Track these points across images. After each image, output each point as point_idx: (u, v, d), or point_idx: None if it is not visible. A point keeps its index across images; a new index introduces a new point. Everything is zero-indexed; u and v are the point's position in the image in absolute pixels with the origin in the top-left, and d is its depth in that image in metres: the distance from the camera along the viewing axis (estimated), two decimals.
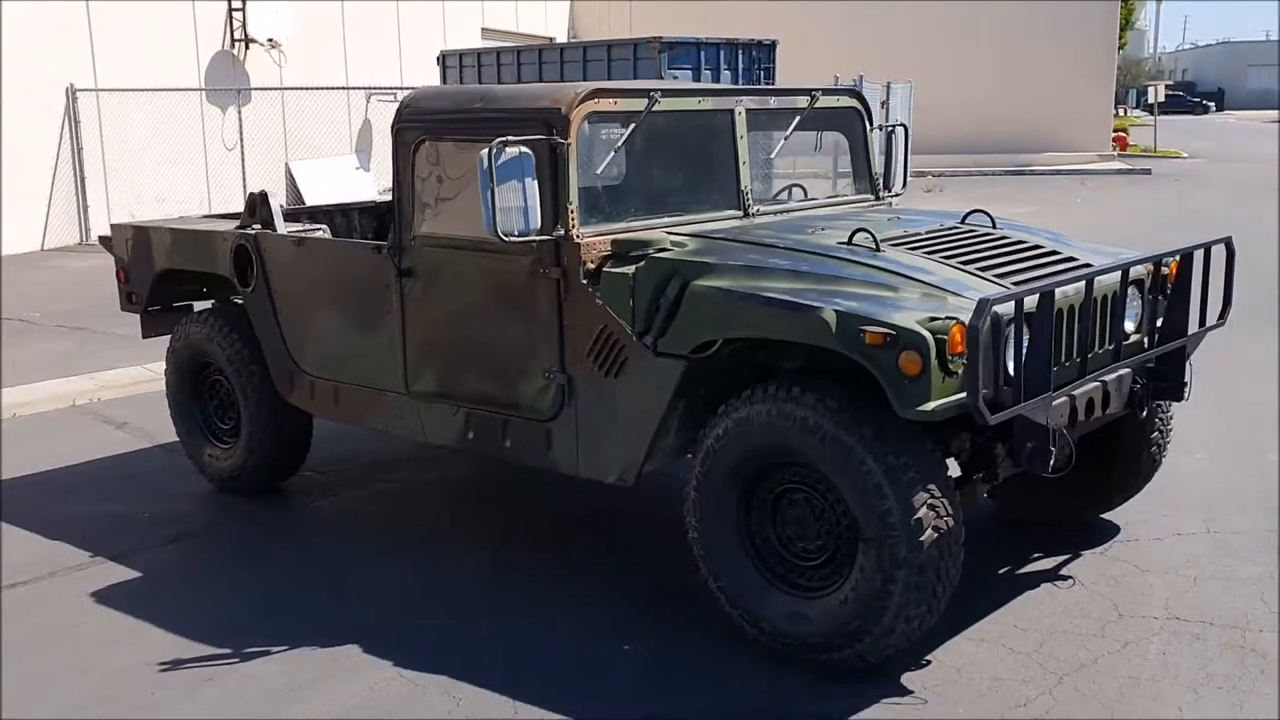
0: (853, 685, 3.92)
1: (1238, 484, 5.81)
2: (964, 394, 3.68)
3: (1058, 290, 3.97)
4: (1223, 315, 4.93)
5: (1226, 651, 4.12)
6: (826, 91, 5.53)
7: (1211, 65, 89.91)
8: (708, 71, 17.47)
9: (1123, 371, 4.46)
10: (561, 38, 31.45)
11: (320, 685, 4.05)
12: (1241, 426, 6.56)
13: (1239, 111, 73.96)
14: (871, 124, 5.82)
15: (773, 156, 5.34)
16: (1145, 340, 4.67)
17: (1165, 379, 4.72)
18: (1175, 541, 5.12)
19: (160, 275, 6.20)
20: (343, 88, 20.78)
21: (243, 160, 16.19)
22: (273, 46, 19.56)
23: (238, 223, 5.89)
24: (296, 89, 18.42)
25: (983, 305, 3.59)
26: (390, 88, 22.40)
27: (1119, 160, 29.56)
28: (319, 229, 5.92)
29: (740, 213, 5.04)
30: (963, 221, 4.95)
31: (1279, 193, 16.58)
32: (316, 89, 19.04)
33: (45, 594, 4.94)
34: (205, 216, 7.01)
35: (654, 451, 4.40)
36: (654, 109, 4.68)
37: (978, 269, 4.28)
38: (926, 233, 4.64)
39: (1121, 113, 44.35)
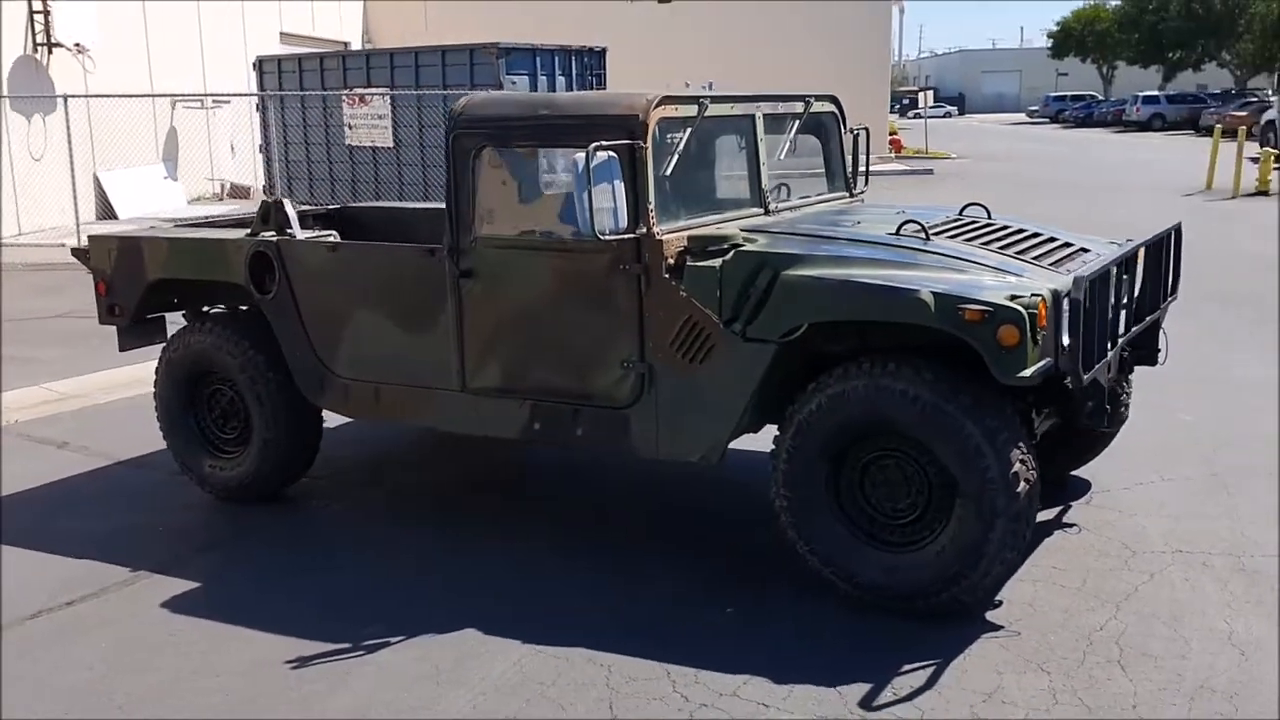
0: (950, 627, 4.40)
1: (1165, 440, 6.63)
2: (1047, 360, 4.23)
3: None
4: (1174, 289, 5.67)
5: (1236, 575, 4.83)
6: (817, 97, 6.03)
7: (951, 72, 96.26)
8: (543, 77, 17.80)
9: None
10: (356, 42, 31.07)
11: (465, 666, 4.24)
12: (1148, 392, 7.42)
13: (979, 115, 79.59)
14: (845, 127, 6.35)
15: (781, 157, 5.77)
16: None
17: (1143, 347, 5.43)
18: (1141, 489, 5.86)
19: (152, 286, 6.11)
20: (149, 95, 19.99)
21: (72, 168, 15.42)
22: (80, 51, 18.67)
23: (247, 230, 5.89)
24: (105, 96, 17.60)
25: (1079, 282, 4.14)
26: (197, 95, 21.75)
27: (898, 162, 31.48)
28: (331, 234, 5.98)
29: (762, 210, 5.46)
30: (961, 213, 5.53)
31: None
32: (125, 96, 18.27)
33: (111, 608, 4.88)
34: (180, 224, 6.88)
35: (737, 430, 4.77)
36: (704, 114, 5.06)
37: (1015, 253, 4.85)
38: (951, 223, 5.18)
39: None
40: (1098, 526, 5.38)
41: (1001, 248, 4.90)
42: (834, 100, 6.26)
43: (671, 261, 4.74)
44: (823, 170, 6.33)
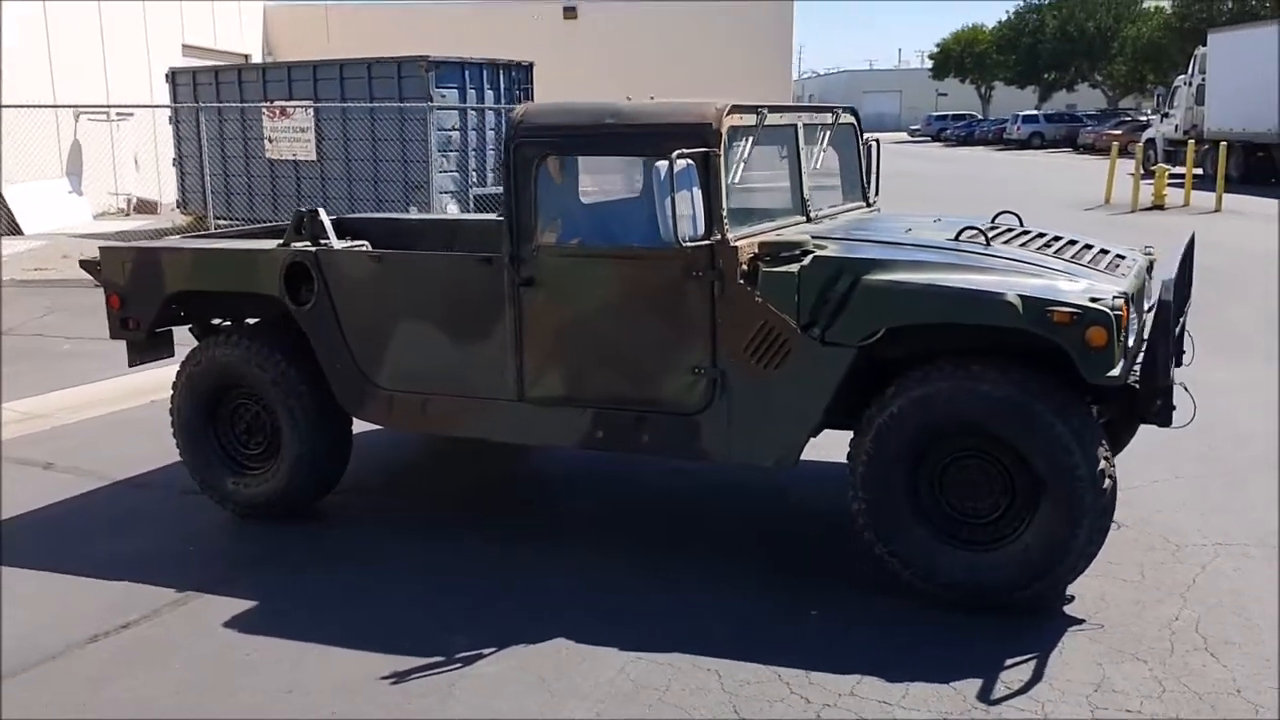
0: (1031, 622, 4.52)
1: (1160, 440, 6.82)
2: (1124, 360, 4.38)
3: None
4: (1189, 294, 5.92)
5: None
6: (844, 109, 6.16)
7: (835, 91, 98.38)
8: (472, 90, 17.70)
9: None
10: (257, 54, 30.50)
11: (571, 675, 4.20)
12: None
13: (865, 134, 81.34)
14: (861, 139, 6.48)
15: (817, 166, 5.86)
16: None
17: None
18: (1159, 487, 6.08)
19: (171, 299, 5.92)
20: (52, 106, 19.34)
21: None
22: None
23: (279, 241, 5.75)
24: (24, 106, 16.96)
25: (1167, 285, 4.30)
26: (103, 106, 21.10)
27: None
28: (362, 244, 5.86)
29: (804, 218, 5.54)
30: (994, 221, 5.68)
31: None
32: (29, 107, 17.63)
33: (171, 630, 4.71)
34: (188, 236, 6.66)
35: (812, 433, 4.83)
36: (763, 123, 5.13)
37: (1070, 259, 5.00)
38: (1001, 230, 5.31)
39: None
40: (1135, 523, 5.56)
41: (1055, 253, 5.05)
42: (853, 112, 6.39)
43: (745, 267, 4.78)
44: (838, 180, 6.45)
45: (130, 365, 6.33)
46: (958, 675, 4.12)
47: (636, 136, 4.89)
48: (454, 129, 17.26)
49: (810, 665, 4.22)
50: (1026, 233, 5.42)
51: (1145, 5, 56.39)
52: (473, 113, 17.49)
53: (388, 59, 17.54)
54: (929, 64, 76.52)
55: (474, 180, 17.68)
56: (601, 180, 5.90)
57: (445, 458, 6.97)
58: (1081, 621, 4.54)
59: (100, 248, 6.11)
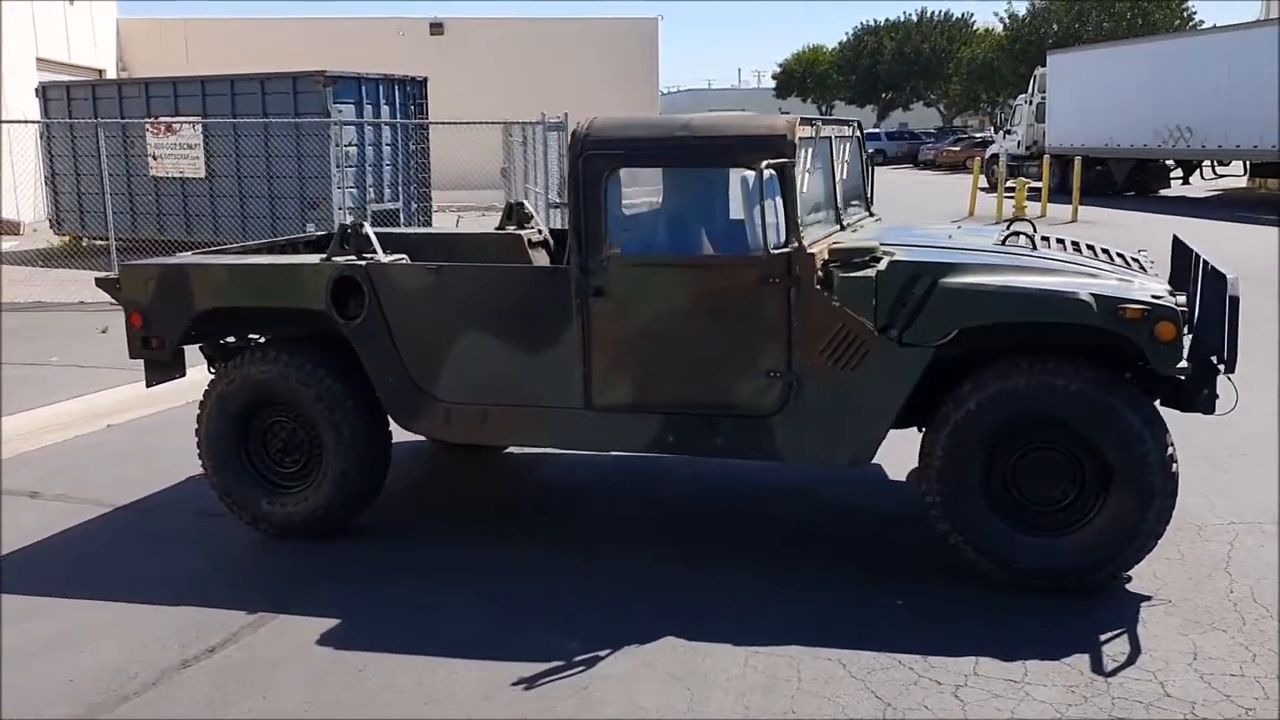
0: (1100, 601, 4.81)
1: None
2: None
3: None
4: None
5: None
6: (856, 124, 6.43)
7: (681, 110, 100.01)
8: (369, 105, 17.49)
9: None
10: (111, 70, 29.39)
11: (701, 670, 4.30)
12: None
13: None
14: (865, 150, 6.76)
15: (843, 178, 6.10)
16: None
17: None
18: None
19: (200, 316, 5.76)
20: None
21: None
22: None
23: (322, 256, 5.66)
24: None
25: (1234, 282, 4.65)
26: None
27: None
28: (401, 258, 5.81)
29: (839, 226, 5.76)
30: (1009, 228, 6.00)
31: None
32: None
33: (262, 651, 4.61)
34: (204, 252, 6.45)
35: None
36: (819, 135, 5.34)
37: (1106, 263, 5.35)
38: (1032, 236, 5.64)
39: None
40: None
41: (1093, 257, 5.39)
42: (860, 127, 6.65)
43: (819, 273, 4.96)
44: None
45: (149, 385, 6.13)
46: (1063, 652, 4.37)
47: (711, 148, 5.03)
48: (351, 145, 17.01)
49: (922, 650, 4.41)
50: (1046, 238, 5.75)
51: (978, 28, 59.25)
52: (369, 128, 17.28)
53: (282, 74, 17.19)
54: (769, 83, 78.45)
55: (371, 196, 17.45)
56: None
57: (456, 468, 6.95)
58: (1148, 598, 4.86)
59: (121, 265, 5.91)
